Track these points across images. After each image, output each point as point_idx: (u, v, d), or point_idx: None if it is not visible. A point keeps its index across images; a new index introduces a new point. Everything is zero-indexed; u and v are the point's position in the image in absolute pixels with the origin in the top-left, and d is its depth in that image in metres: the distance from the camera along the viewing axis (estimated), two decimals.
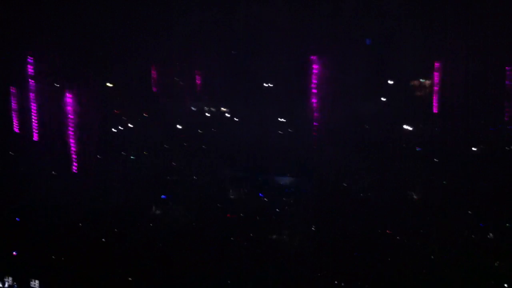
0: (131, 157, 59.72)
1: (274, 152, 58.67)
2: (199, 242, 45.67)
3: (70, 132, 56.33)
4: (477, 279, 40.21)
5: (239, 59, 67.27)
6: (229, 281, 41.09)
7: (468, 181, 50.70)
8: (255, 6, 65.11)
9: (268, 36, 65.06)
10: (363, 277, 41.90)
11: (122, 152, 59.19)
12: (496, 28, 58.94)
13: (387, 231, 46.58)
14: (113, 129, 62.79)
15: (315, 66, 56.48)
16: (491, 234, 43.97)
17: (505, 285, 39.21)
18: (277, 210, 50.14)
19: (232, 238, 46.07)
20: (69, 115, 56.64)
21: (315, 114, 55.92)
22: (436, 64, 62.17)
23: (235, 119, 64.74)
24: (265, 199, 52.70)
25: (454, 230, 44.52)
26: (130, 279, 41.69)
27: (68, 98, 56.61)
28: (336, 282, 41.28)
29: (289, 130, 60.20)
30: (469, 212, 45.95)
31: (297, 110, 58.73)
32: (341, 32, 63.47)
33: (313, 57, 56.67)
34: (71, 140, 56.47)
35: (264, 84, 67.73)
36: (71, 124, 56.52)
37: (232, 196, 52.71)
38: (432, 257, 43.35)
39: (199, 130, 63.41)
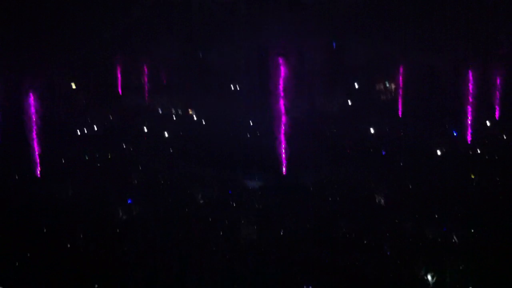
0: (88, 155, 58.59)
1: (241, 153, 58.80)
2: (167, 246, 45.20)
3: (34, 135, 55.19)
4: (442, 280, 40.84)
5: (206, 60, 67.23)
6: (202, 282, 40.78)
7: (432, 184, 51.54)
8: (217, 7, 65.16)
9: (235, 37, 65.20)
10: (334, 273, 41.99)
11: (86, 156, 58.25)
12: (460, 30, 60.24)
13: (352, 234, 46.93)
14: (78, 131, 61.98)
15: (282, 68, 56.64)
16: (454, 237, 44.73)
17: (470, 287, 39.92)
18: (245, 209, 50.13)
19: (201, 240, 45.80)
20: (33, 117, 55.43)
21: (283, 116, 56.20)
22: (401, 68, 63.27)
23: (202, 121, 64.64)
24: (232, 201, 52.63)
25: (417, 232, 45.15)
26: (96, 286, 40.96)
27: (32, 99, 55.33)
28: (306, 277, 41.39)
29: (257, 131, 60.47)
30: (435, 215, 46.66)
31: (264, 111, 58.87)
32: (307, 34, 64.00)
33: (280, 59, 56.80)
34: (35, 143, 55.36)
35: (231, 86, 67.98)
36: (34, 126, 55.37)
37: (201, 201, 52.46)
38: (395, 258, 43.80)
39: (165, 133, 62.94)
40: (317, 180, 54.60)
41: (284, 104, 55.78)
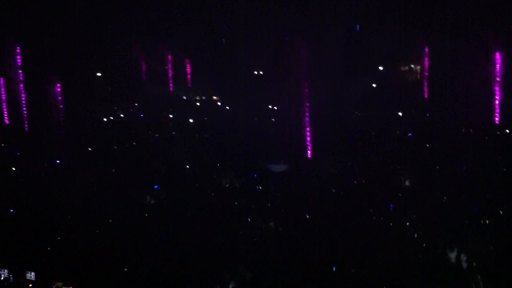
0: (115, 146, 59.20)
1: (266, 139, 58.79)
2: (195, 231, 45.48)
3: (60, 123, 55.92)
4: (472, 263, 40.48)
5: (229, 47, 67.27)
6: (226, 270, 40.99)
7: (459, 165, 51.06)
8: None
9: (258, 24, 65.06)
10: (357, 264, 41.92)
11: (114, 145, 58.90)
12: (486, 13, 59.27)
13: (378, 218, 46.64)
14: (104, 119, 62.65)
15: (305, 53, 56.34)
16: (486, 220, 44.22)
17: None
18: (271, 193, 50.16)
19: (228, 224, 46.01)
20: (59, 106, 56.14)
21: (306, 101, 55.96)
22: (426, 49, 62.53)
23: (226, 107, 64.81)
24: (258, 185, 52.75)
25: (447, 215, 44.72)
26: (125, 269, 41.40)
27: (58, 88, 56.04)
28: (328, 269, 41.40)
29: (281, 116, 60.37)
30: (462, 196, 46.20)
31: (288, 96, 58.71)
32: (330, 18, 63.55)
33: (304, 44, 56.49)
34: (62, 131, 56.09)
35: (255, 72, 67.90)
36: (61, 115, 56.08)
37: (226, 185, 52.64)
38: (424, 245, 43.48)
39: (190, 119, 63.24)
40: (342, 163, 54.38)
41: (308, 88, 55.55)
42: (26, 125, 59.34)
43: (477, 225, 43.75)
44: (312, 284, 38.45)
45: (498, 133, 55.46)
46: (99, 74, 63.83)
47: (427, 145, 55.51)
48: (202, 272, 40.16)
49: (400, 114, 60.98)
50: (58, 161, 55.50)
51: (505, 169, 50.29)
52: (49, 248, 42.79)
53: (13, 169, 53.93)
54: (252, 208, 48.06)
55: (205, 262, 41.31)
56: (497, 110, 56.23)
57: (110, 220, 46.60)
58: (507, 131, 54.38)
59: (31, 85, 58.82)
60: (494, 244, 39.90)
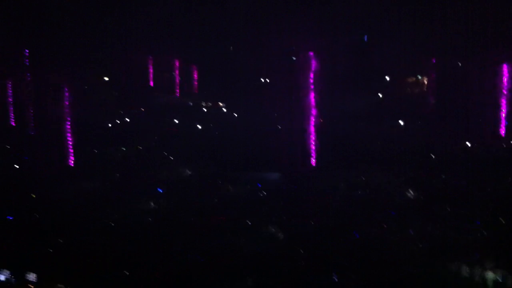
0: (123, 148, 59.43)
1: (271, 145, 58.89)
2: (196, 236, 45.51)
3: (67, 126, 56.17)
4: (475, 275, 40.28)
5: (236, 54, 67.47)
6: (227, 276, 40.93)
7: (465, 177, 50.91)
8: (252, 1, 65.21)
9: (265, 31, 65.19)
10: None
11: (120, 149, 59.18)
12: (492, 24, 59.21)
13: (384, 225, 46.56)
14: (109, 124, 62.89)
15: (312, 62, 56.44)
16: (485, 232, 44.04)
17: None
18: (274, 201, 50.16)
19: (228, 231, 46.00)
20: (66, 109, 56.44)
21: (313, 110, 55.99)
22: (433, 61, 62.46)
23: (234, 114, 64.94)
24: (261, 193, 52.72)
25: (454, 226, 44.58)
26: (127, 272, 41.44)
27: (65, 91, 56.37)
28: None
29: (287, 125, 60.51)
30: (468, 206, 46.05)
31: (294, 106, 58.78)
32: (338, 28, 63.62)
33: (311, 53, 56.60)
34: (68, 134, 56.34)
35: (261, 80, 68.05)
36: (67, 118, 56.36)
37: (230, 191, 52.66)
38: (425, 253, 43.27)
39: (198, 125, 63.44)
40: (346, 173, 54.35)
41: (314, 98, 55.64)
42: (32, 128, 59.65)
43: (479, 237, 43.61)
44: None
45: (504, 145, 55.33)
46: (106, 79, 64.21)
47: (433, 156, 55.42)
48: (203, 277, 40.17)
49: (401, 123, 60.99)
50: (62, 164, 55.82)
51: (510, 181, 50.14)
52: (50, 250, 42.88)
53: (16, 167, 54.19)
54: (254, 214, 48.07)
55: (205, 267, 41.34)
56: (503, 123, 56.12)
57: (112, 224, 46.72)
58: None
59: (38, 88, 59.16)
60: (495, 255, 39.71)
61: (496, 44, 58.46)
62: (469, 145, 56.63)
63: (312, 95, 55.93)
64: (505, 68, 56.52)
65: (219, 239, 45.31)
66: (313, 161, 54.30)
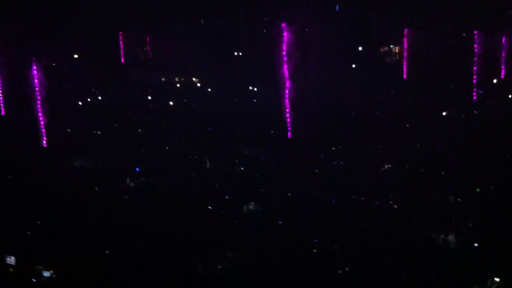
0: (98, 132, 58.91)
1: (245, 121, 58.78)
2: (176, 213, 45.51)
3: (38, 106, 55.05)
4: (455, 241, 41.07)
5: (209, 28, 66.70)
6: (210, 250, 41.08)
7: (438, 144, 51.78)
8: None
9: (238, 5, 64.53)
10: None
11: (93, 128, 58.44)
12: None
13: (360, 196, 47.08)
14: (79, 103, 61.80)
15: (285, 34, 55.96)
16: (458, 199, 44.87)
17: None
18: (252, 175, 50.36)
19: (209, 208, 46.05)
20: (36, 88, 55.18)
21: (287, 82, 55.76)
22: (405, 31, 62.54)
23: (207, 89, 64.44)
24: (238, 168, 52.80)
25: (428, 194, 45.28)
26: (107, 252, 41.32)
27: (35, 70, 55.00)
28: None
29: (262, 97, 60.39)
30: (443, 174, 46.84)
31: (268, 77, 58.48)
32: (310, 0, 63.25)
33: (283, 25, 56.06)
34: (40, 114, 55.24)
35: (235, 53, 67.50)
36: (38, 98, 55.18)
37: (208, 166, 52.63)
38: (404, 220, 43.89)
39: (170, 102, 62.80)
40: (322, 144, 54.62)
41: (288, 69, 55.35)
42: (2, 109, 58.51)
43: (454, 203, 44.50)
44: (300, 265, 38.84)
45: (475, 112, 56.12)
46: (76, 56, 62.98)
47: (407, 125, 55.99)
48: (186, 254, 40.28)
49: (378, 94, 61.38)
50: (37, 144, 54.96)
51: (481, 147, 51.05)
52: (28, 232, 42.52)
53: None
54: (233, 189, 48.20)
55: (189, 242, 41.45)
56: (475, 89, 56.80)
57: (87, 204, 46.35)
58: (484, 110, 55.25)
59: (8, 67, 57.85)
60: (472, 222, 40.56)
61: (467, 12, 58.79)
62: (444, 114, 57.36)
63: (285, 67, 55.63)
64: (476, 35, 56.91)
65: (197, 212, 45.49)
66: (289, 133, 54.38)
